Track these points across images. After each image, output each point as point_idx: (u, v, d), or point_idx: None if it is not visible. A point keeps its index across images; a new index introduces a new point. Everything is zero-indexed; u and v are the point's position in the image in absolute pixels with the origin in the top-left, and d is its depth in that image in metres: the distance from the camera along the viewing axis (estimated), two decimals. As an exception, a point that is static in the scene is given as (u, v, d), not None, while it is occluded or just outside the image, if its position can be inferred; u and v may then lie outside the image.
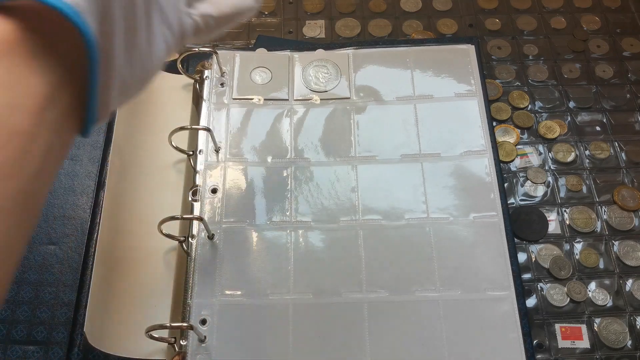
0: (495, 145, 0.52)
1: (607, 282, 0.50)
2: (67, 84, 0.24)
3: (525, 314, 0.45)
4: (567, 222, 0.52)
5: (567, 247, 0.51)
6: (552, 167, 0.55)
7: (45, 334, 0.46)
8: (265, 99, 0.55)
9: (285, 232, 0.49)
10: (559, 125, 0.57)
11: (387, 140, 0.53)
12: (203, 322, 0.45)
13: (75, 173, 0.52)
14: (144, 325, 0.42)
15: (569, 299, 0.49)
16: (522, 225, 0.52)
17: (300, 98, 0.55)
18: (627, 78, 0.60)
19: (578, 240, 0.52)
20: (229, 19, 0.34)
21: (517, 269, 0.47)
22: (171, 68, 0.58)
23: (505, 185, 0.54)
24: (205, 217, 0.49)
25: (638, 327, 0.48)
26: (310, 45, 0.61)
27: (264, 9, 0.66)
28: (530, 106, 0.59)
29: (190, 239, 0.48)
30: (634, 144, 0.56)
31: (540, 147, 0.56)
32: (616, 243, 0.51)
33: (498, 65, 0.61)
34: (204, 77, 0.56)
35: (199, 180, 0.51)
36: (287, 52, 0.58)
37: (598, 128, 0.57)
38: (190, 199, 0.50)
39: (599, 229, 0.52)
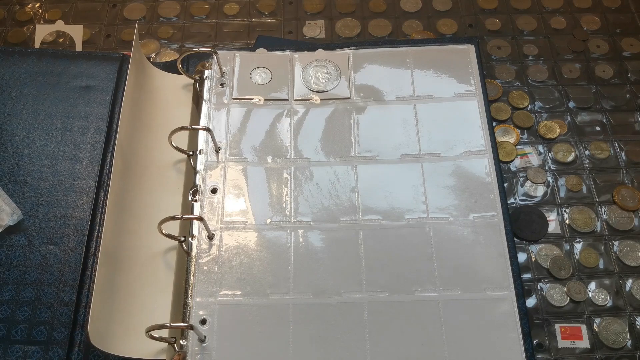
0: (495, 145, 0.52)
1: (607, 282, 0.50)
2: None
3: (525, 314, 0.45)
4: (567, 222, 0.52)
5: (567, 247, 0.51)
6: (552, 167, 0.55)
7: (45, 334, 0.46)
8: (265, 99, 0.55)
9: (285, 232, 0.49)
10: (559, 125, 0.57)
11: (387, 140, 0.53)
12: (203, 322, 0.45)
13: (75, 173, 0.52)
14: (144, 325, 0.42)
15: (568, 299, 0.49)
16: (522, 225, 0.52)
17: (300, 98, 0.55)
18: (627, 78, 0.60)
19: (578, 240, 0.52)
20: None
21: (517, 269, 0.47)
22: (171, 68, 0.58)
23: (505, 185, 0.54)
24: (205, 217, 0.49)
25: (638, 327, 0.48)
26: (310, 45, 0.61)
27: (263, 9, 0.66)
28: (530, 106, 0.59)
29: (190, 239, 0.48)
30: (633, 144, 0.56)
31: (540, 147, 0.56)
32: (616, 243, 0.51)
33: (498, 65, 0.61)
34: (204, 77, 0.56)
35: (199, 180, 0.51)
36: (287, 52, 0.58)
37: (598, 128, 0.57)
38: (190, 199, 0.50)
39: (598, 229, 0.52)
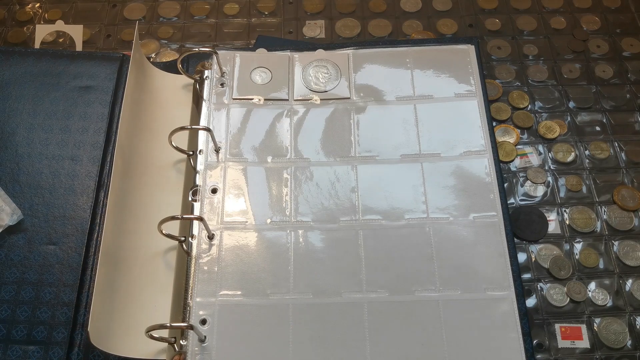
0: (495, 145, 0.52)
1: (606, 282, 0.50)
2: None
3: (525, 314, 0.45)
4: (567, 222, 0.52)
5: (567, 247, 0.51)
6: (552, 167, 0.55)
7: (45, 334, 0.46)
8: (265, 99, 0.55)
9: (285, 232, 0.49)
10: (559, 125, 0.57)
11: (387, 140, 0.53)
12: (203, 322, 0.45)
13: (75, 173, 0.52)
14: (144, 325, 0.42)
15: (568, 299, 0.49)
16: (522, 225, 0.52)
17: (300, 98, 0.55)
18: (627, 78, 0.60)
19: (578, 240, 0.52)
20: None
21: (517, 269, 0.47)
22: (171, 68, 0.58)
23: (505, 185, 0.54)
24: (205, 217, 0.49)
25: (638, 327, 0.48)
26: (310, 45, 0.61)
27: (263, 9, 0.66)
28: (530, 106, 0.59)
29: (190, 239, 0.48)
30: (633, 144, 0.56)
31: (540, 147, 0.56)
32: (616, 243, 0.51)
33: (498, 65, 0.61)
34: (204, 77, 0.56)
35: (199, 180, 0.51)
36: (287, 52, 0.58)
37: (598, 128, 0.57)
38: (190, 199, 0.50)
39: (598, 229, 0.52)
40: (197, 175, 0.51)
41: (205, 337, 0.44)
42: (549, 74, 0.61)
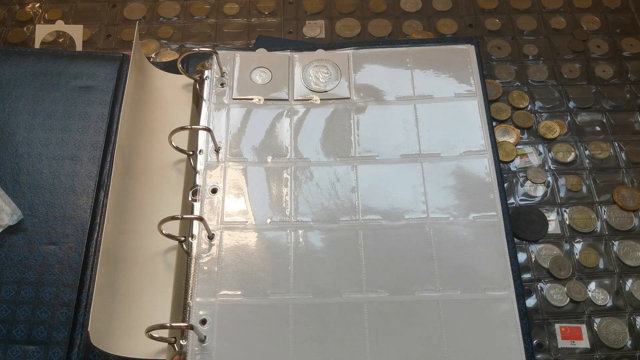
0: (495, 145, 0.52)
1: (606, 282, 0.50)
2: None
3: (525, 314, 0.45)
4: (567, 222, 0.52)
5: (567, 247, 0.51)
6: (552, 167, 0.55)
7: (45, 334, 0.46)
8: (265, 99, 0.55)
9: (285, 232, 0.49)
10: (559, 125, 0.57)
11: (387, 140, 0.53)
12: (203, 322, 0.45)
13: (75, 173, 0.52)
14: (144, 325, 0.42)
15: (568, 299, 0.49)
16: (522, 225, 0.52)
17: (300, 98, 0.55)
18: (627, 78, 0.60)
19: (578, 240, 0.52)
20: None
21: (517, 269, 0.47)
22: (171, 68, 0.58)
23: (505, 185, 0.54)
24: (205, 217, 0.49)
25: (638, 327, 0.48)
26: (310, 45, 0.61)
27: (263, 9, 0.66)
28: (530, 106, 0.59)
29: (190, 239, 0.48)
30: (633, 144, 0.56)
31: (540, 147, 0.56)
32: (616, 243, 0.51)
33: (498, 65, 0.61)
34: (204, 77, 0.56)
35: (199, 180, 0.51)
36: (287, 52, 0.58)
37: (598, 128, 0.57)
38: (190, 199, 0.50)
39: (598, 229, 0.52)
40: (197, 175, 0.51)
41: (205, 337, 0.44)
42: (549, 74, 0.61)
